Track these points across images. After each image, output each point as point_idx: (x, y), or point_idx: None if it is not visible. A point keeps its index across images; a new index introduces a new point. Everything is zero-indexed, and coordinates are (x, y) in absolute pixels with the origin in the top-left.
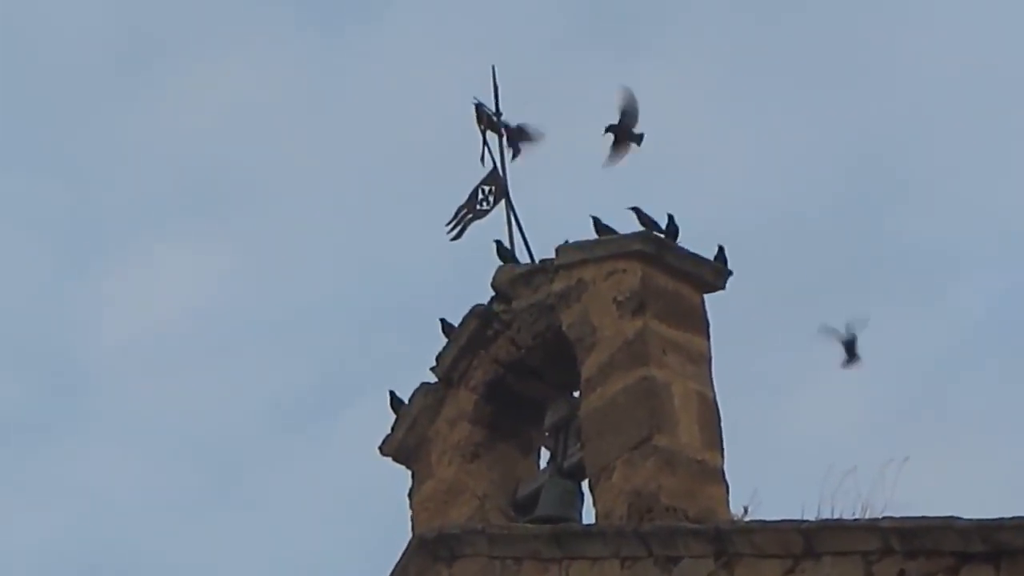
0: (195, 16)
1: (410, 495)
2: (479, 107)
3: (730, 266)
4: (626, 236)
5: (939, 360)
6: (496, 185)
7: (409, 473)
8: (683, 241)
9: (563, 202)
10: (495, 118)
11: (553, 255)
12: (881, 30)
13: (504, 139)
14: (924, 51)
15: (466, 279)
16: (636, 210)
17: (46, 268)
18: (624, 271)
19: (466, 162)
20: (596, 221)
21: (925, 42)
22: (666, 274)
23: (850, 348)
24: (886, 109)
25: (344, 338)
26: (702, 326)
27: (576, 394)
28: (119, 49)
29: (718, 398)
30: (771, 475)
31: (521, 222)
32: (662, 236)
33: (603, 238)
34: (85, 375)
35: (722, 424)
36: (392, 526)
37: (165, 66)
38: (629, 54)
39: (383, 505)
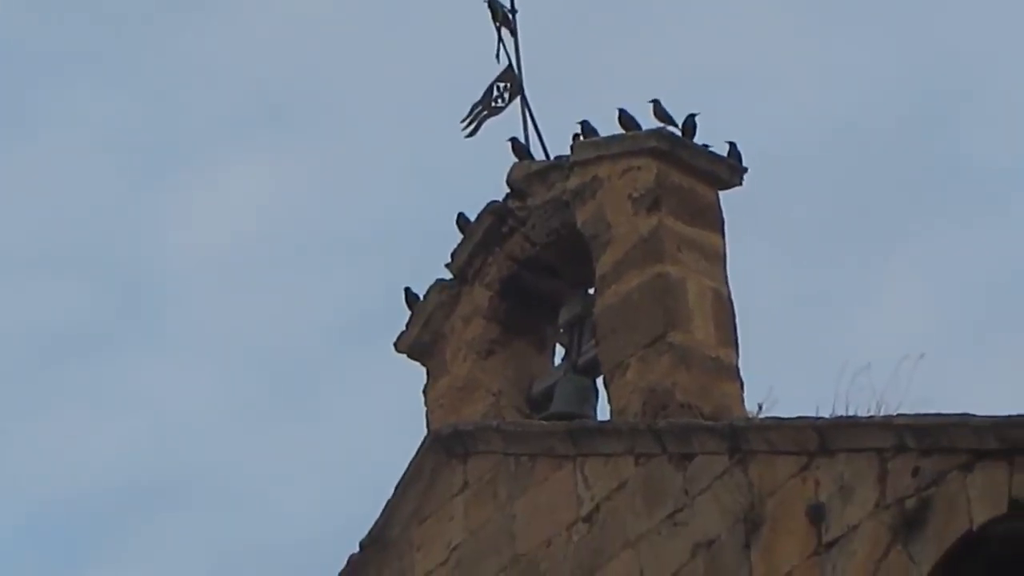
0: None
1: (425, 391)
2: (493, 3)
3: (745, 163)
4: (641, 133)
5: (1000, 275)
6: (511, 82)
7: (424, 369)
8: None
9: (580, 99)
10: (510, 15)
11: (568, 151)
12: None
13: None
14: None
15: (481, 175)
16: (655, 103)
17: (118, 181)
18: (639, 168)
19: (481, 58)
20: (622, 113)
21: None
22: (681, 171)
23: None
24: (953, 23)
25: (412, 251)
26: (717, 223)
27: (591, 291)
28: None
29: (732, 295)
30: (786, 373)
31: (536, 118)
32: (678, 133)
33: (618, 135)
34: (156, 287)
35: (736, 321)
36: None
37: None
38: None
39: None
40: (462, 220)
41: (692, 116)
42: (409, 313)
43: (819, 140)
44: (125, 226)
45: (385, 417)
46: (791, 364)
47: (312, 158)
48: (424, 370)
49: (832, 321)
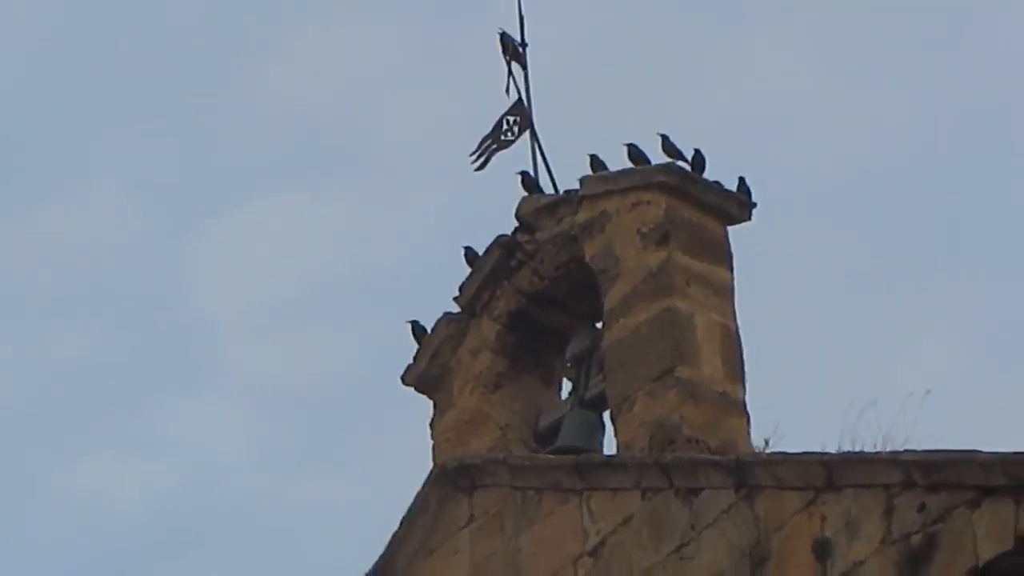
0: None
1: (432, 425)
2: (504, 36)
3: (758, 201)
4: (651, 167)
5: (1008, 314)
6: (521, 115)
7: (431, 403)
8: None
9: (589, 133)
10: (521, 48)
11: (577, 186)
12: None
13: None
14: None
15: (489, 210)
16: (664, 137)
17: (155, 226)
18: (648, 202)
19: (492, 92)
20: (631, 148)
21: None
22: (691, 206)
23: None
24: (984, 71)
25: (426, 285)
26: (726, 258)
27: (599, 325)
28: (229, 6)
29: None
30: (793, 408)
31: (546, 152)
32: (688, 168)
33: (627, 169)
34: (197, 332)
35: (744, 356)
36: None
37: (276, 26)
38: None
39: None
40: (470, 253)
41: (700, 152)
42: (416, 346)
43: (835, 180)
44: (163, 271)
45: (411, 455)
46: (798, 399)
47: (340, 199)
48: (431, 404)
49: (839, 357)
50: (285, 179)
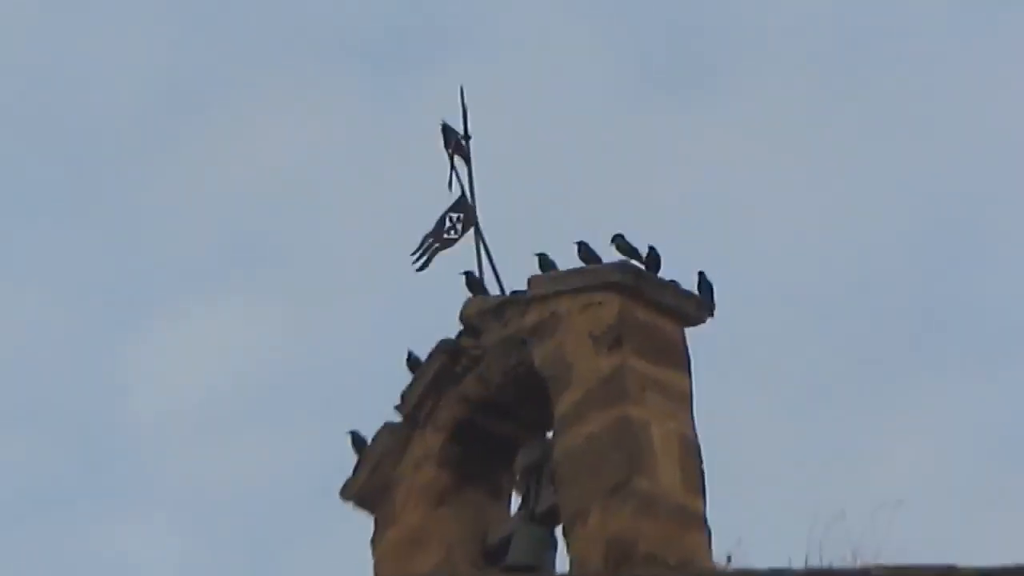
0: (235, 72)
1: (373, 542)
2: (446, 128)
3: (716, 301)
4: (603, 266)
5: (980, 424)
6: (465, 212)
7: (372, 519)
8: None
9: (537, 231)
10: (463, 141)
11: (525, 286)
12: (956, 83)
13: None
14: (1000, 106)
15: (432, 312)
16: (618, 238)
17: (80, 329)
18: (600, 304)
19: (434, 187)
20: (582, 247)
21: (1002, 96)
22: (645, 307)
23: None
24: (960, 165)
25: (366, 393)
26: (683, 362)
27: (549, 435)
28: (160, 100)
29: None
30: (757, 521)
31: (491, 251)
32: (642, 267)
33: (577, 268)
34: (118, 445)
35: (704, 466)
36: None
37: (209, 120)
38: (681, 99)
39: None
40: (412, 359)
41: (655, 249)
42: (356, 459)
43: (800, 277)
44: (87, 378)
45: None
46: (762, 512)
47: (275, 301)
48: (372, 520)
49: (805, 466)
50: (218, 280)
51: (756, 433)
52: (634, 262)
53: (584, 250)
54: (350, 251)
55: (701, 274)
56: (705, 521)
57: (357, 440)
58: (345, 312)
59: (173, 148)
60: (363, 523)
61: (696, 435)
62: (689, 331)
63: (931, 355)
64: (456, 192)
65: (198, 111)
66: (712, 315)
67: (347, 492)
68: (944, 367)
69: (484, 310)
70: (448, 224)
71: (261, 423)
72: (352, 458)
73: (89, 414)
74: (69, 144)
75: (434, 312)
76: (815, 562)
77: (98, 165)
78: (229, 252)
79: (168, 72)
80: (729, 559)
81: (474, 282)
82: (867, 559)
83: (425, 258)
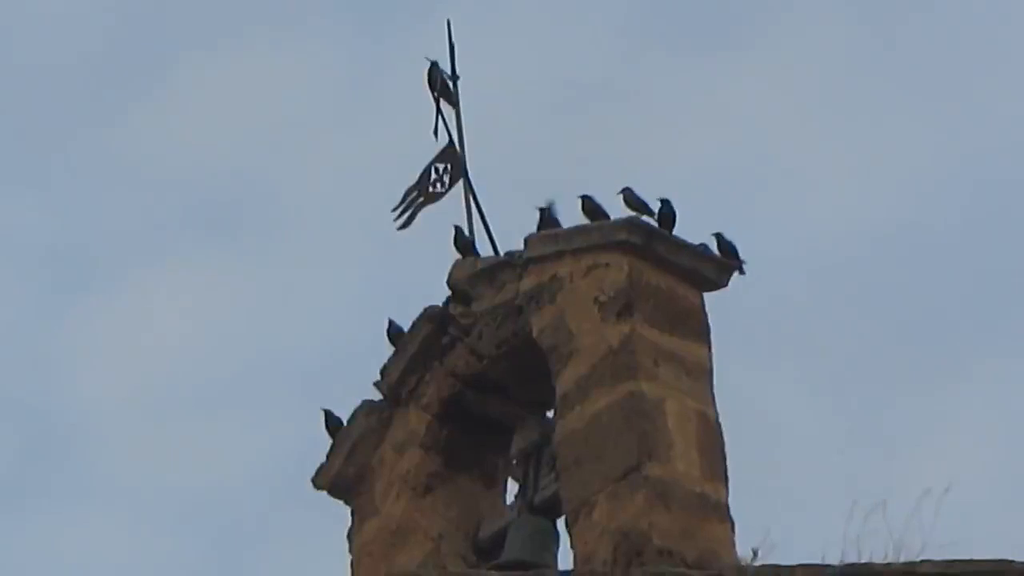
0: (199, 11)
1: (350, 536)
2: (433, 69)
3: (752, 268)
4: (610, 223)
5: None
6: (452, 163)
7: (349, 510)
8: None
9: (536, 184)
10: (450, 82)
11: (522, 246)
12: (1001, 31)
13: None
14: None
15: (416, 276)
16: (627, 191)
17: (20, 303)
18: (607, 265)
19: (418, 135)
20: (586, 202)
21: None
22: (658, 269)
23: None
24: (1015, 118)
25: (343, 368)
26: (702, 332)
27: (549, 414)
28: (114, 45)
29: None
30: (787, 511)
31: (483, 207)
32: (654, 223)
33: (581, 226)
34: (64, 434)
35: (726, 449)
36: None
37: (168, 65)
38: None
39: None
40: (394, 329)
41: (669, 203)
42: (330, 442)
43: (838, 241)
44: (27, 359)
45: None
46: (792, 501)
47: (240, 267)
48: (349, 511)
49: (841, 449)
50: (175, 246)
51: (786, 412)
52: (645, 218)
53: (589, 205)
54: (323, 209)
55: (719, 236)
56: (728, 511)
57: (331, 421)
58: (318, 278)
59: (124, 97)
60: (340, 514)
61: (717, 414)
62: (709, 296)
63: (986, 329)
64: (443, 140)
65: (157, 55)
66: (743, 272)
67: (320, 480)
68: (1000, 342)
69: (475, 273)
70: (434, 176)
71: (226, 405)
72: (326, 441)
73: (30, 400)
74: (9, 95)
75: (418, 276)
76: (852, 557)
77: (38, 119)
78: (188, 214)
79: (122, 11)
80: (755, 554)
81: (463, 241)
82: (911, 554)
83: (408, 215)
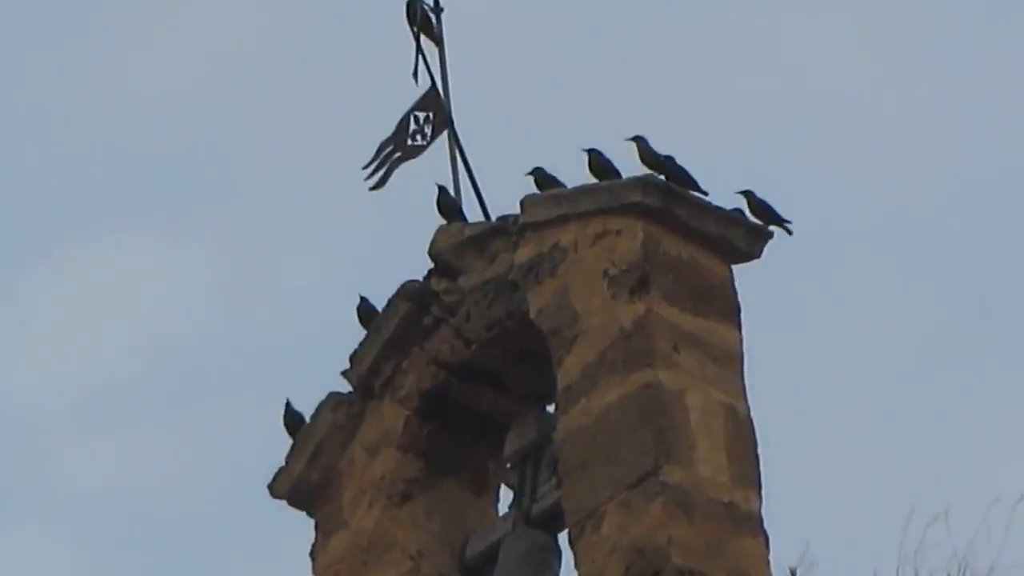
0: None
1: (313, 554)
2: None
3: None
4: (622, 182)
5: None
6: (435, 111)
7: (312, 523)
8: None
9: (533, 136)
10: (432, 15)
11: (517, 209)
12: None
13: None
14: None
15: (391, 246)
16: (640, 142)
17: None
18: (619, 232)
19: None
20: (593, 157)
21: None
22: (679, 236)
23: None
24: None
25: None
26: (731, 311)
27: (550, 409)
28: None
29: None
30: (831, 522)
31: (471, 163)
32: (672, 182)
33: (588, 185)
34: None
35: (759, 450)
36: None
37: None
38: None
39: None
40: (365, 308)
41: (673, 160)
42: (290, 442)
43: (895, 210)
44: None
45: None
46: (838, 510)
47: (190, 244)
48: (312, 523)
49: (895, 451)
50: (117, 218)
51: (831, 405)
52: (663, 177)
53: (596, 160)
54: (282, 167)
55: (748, 194)
56: (761, 523)
57: (291, 416)
58: (276, 249)
59: (65, 43)
60: (305, 527)
61: (748, 408)
62: (739, 269)
63: None
64: (424, 83)
65: None
66: (790, 232)
67: (278, 487)
68: None
69: (462, 242)
70: (413, 127)
71: (173, 401)
72: (286, 441)
73: None
74: None
75: (394, 246)
76: (908, 575)
77: None
78: (132, 181)
79: None
80: (793, 574)
81: (448, 204)
82: (977, 573)
83: (382, 172)
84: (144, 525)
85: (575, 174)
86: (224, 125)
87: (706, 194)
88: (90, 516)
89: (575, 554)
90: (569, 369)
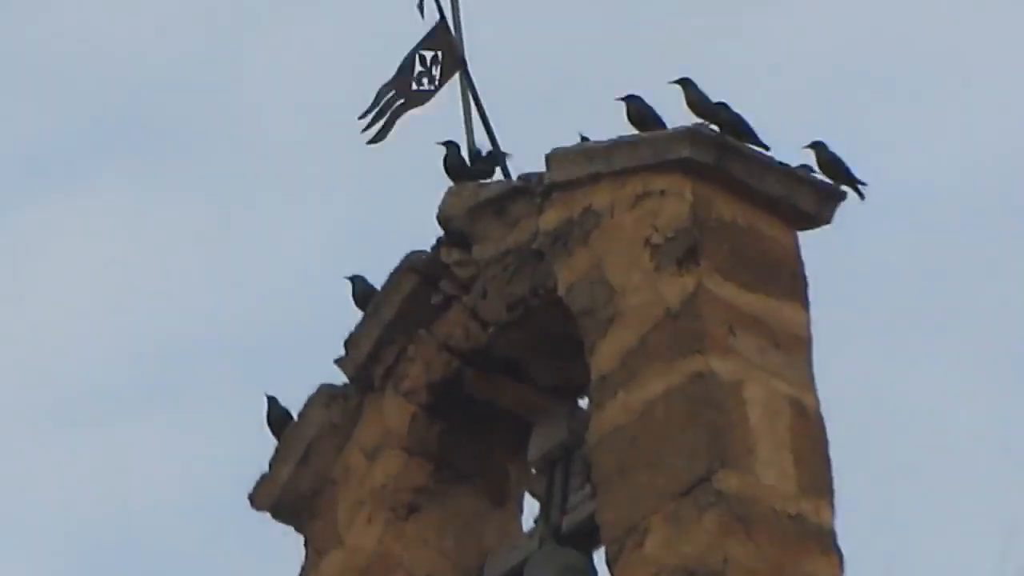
0: None
1: (303, 574)
2: None
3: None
4: (666, 133)
5: None
6: (445, 50)
7: (301, 539)
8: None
9: (560, 81)
10: None
11: (542, 166)
12: None
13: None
14: None
15: (393, 210)
16: (685, 83)
17: None
18: (663, 193)
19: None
20: (632, 104)
21: None
22: (735, 198)
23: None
24: None
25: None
26: (797, 288)
27: (582, 404)
28: None
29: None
30: (917, 537)
31: (487, 112)
32: (726, 133)
33: (626, 137)
34: None
35: (831, 453)
36: None
37: None
38: None
39: None
40: (361, 286)
41: (726, 105)
42: (275, 443)
43: (989, 172)
44: None
45: None
46: (925, 525)
47: (165, 206)
48: (301, 539)
49: (991, 453)
50: (83, 173)
51: (917, 401)
52: (715, 127)
53: (636, 108)
54: (269, 118)
55: (818, 147)
56: (834, 539)
57: (275, 413)
58: (262, 215)
59: None
60: (294, 542)
61: (819, 403)
62: (807, 236)
63: None
64: (431, 18)
65: None
66: (862, 197)
67: (261, 497)
68: None
69: (476, 205)
70: (419, 68)
71: (145, 396)
72: (271, 443)
73: None
74: None
75: (397, 210)
76: None
77: None
78: (97, 127)
79: None
80: None
81: (460, 161)
82: None
83: (383, 122)
84: (119, 538)
85: (611, 126)
86: (204, 69)
87: (767, 148)
88: (62, 523)
89: (613, 575)
90: (604, 356)
